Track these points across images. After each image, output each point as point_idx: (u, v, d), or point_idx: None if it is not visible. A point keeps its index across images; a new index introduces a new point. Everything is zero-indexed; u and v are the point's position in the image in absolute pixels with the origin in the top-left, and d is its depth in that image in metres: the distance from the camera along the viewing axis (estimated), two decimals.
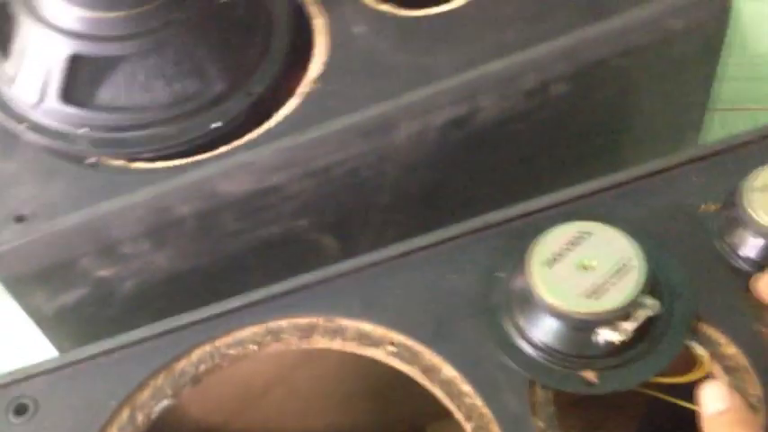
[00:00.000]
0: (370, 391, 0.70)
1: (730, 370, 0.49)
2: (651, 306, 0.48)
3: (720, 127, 0.92)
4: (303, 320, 0.54)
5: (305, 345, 0.54)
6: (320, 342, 0.54)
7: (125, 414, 0.51)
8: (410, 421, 0.78)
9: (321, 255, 0.67)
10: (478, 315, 0.52)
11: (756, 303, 0.49)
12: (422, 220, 0.62)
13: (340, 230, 0.67)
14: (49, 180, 0.58)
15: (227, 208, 0.59)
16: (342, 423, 0.74)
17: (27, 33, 0.59)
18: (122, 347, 0.53)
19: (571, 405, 0.58)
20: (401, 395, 0.71)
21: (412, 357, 0.52)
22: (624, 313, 0.48)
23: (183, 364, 0.53)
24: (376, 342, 0.53)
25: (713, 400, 0.44)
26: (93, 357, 0.53)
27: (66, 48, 0.57)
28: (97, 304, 0.61)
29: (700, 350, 0.50)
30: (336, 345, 0.54)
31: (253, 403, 0.66)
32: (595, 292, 0.47)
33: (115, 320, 0.62)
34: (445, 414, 0.78)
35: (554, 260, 0.49)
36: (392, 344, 0.53)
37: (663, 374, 0.50)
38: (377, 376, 0.66)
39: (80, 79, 0.58)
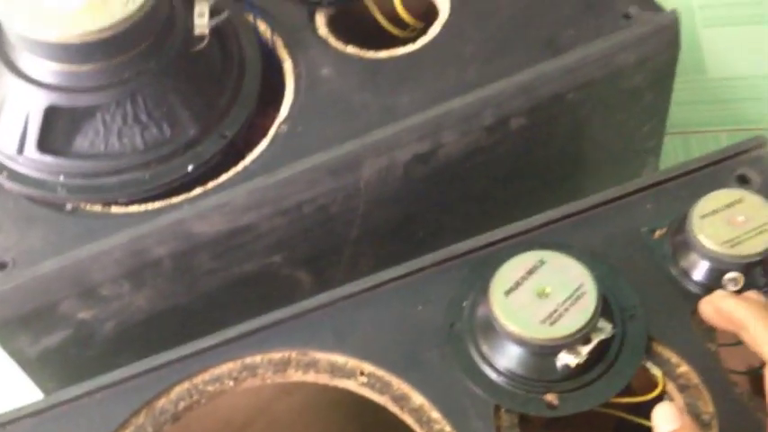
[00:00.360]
0: (347, 419, 0.72)
1: (684, 388, 0.51)
2: (605, 329, 0.51)
3: (683, 150, 0.95)
4: (277, 355, 0.56)
5: (280, 379, 0.56)
6: (294, 375, 0.56)
7: None
8: None
9: (295, 289, 0.70)
10: (445, 344, 0.54)
11: (706, 324, 0.52)
12: (392, 251, 0.65)
13: (313, 265, 0.69)
14: (29, 227, 0.61)
15: (203, 248, 0.61)
16: None
17: (5, 86, 0.61)
18: (104, 388, 0.55)
19: (542, 428, 0.61)
20: (376, 423, 0.73)
21: (383, 387, 0.54)
22: (580, 337, 0.50)
23: (162, 402, 0.55)
24: (348, 373, 0.55)
25: (664, 421, 0.46)
26: (76, 399, 0.55)
27: (43, 100, 0.60)
28: (79, 346, 0.63)
29: (654, 370, 0.52)
30: (310, 377, 0.56)
31: None
32: (552, 318, 0.50)
33: (97, 361, 0.63)
34: None
35: (513, 289, 0.51)
36: (363, 374, 0.55)
37: (621, 395, 0.52)
38: (352, 405, 0.68)
39: (57, 129, 0.61)
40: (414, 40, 0.70)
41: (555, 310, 0.50)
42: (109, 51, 0.58)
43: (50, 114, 0.60)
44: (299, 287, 0.69)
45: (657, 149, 0.77)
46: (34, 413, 0.54)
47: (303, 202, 0.63)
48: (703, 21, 1.05)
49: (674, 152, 0.94)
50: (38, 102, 0.60)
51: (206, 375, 0.56)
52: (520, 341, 0.51)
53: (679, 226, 0.55)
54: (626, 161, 0.76)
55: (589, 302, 0.50)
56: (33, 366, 0.64)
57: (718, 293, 0.50)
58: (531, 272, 0.52)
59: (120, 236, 0.59)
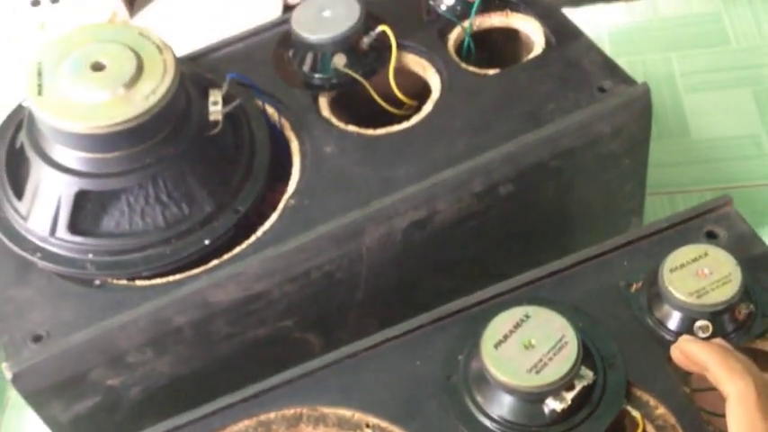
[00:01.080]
0: None
1: (661, 428, 0.56)
2: (587, 376, 0.56)
3: (670, 208, 1.00)
4: (290, 411, 0.61)
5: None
6: (306, 430, 0.61)
7: None
8: None
9: (305, 350, 0.75)
10: (443, 395, 0.59)
11: (680, 368, 0.57)
12: (394, 310, 0.70)
13: (321, 327, 0.74)
14: (61, 302, 0.66)
15: (219, 315, 0.67)
16: None
17: (38, 174, 0.67)
18: None
19: None
20: None
21: None
22: (564, 384, 0.55)
23: None
24: (354, 426, 0.60)
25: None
26: None
27: (73, 185, 0.66)
28: (107, 411, 0.68)
29: (634, 412, 0.57)
30: (320, 430, 0.61)
31: None
32: (537, 367, 0.55)
33: (124, 424, 0.69)
34: None
35: (502, 341, 0.56)
36: (368, 426, 0.60)
37: None
38: None
39: (86, 211, 0.67)
40: (409, 117, 0.77)
41: (540, 360, 0.55)
42: (133, 140, 0.65)
43: (80, 198, 0.66)
44: (309, 348, 0.75)
45: (639, 209, 0.83)
46: None
47: (311, 269, 0.68)
48: (685, 87, 1.11)
49: (663, 211, 0.99)
50: (68, 187, 0.66)
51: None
52: (510, 389, 0.55)
53: (653, 279, 0.60)
54: (610, 221, 0.81)
55: (571, 352, 0.55)
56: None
57: (683, 338, 0.54)
58: (517, 326, 0.57)
59: (144, 307, 0.65)
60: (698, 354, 0.52)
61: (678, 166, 1.04)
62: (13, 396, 0.92)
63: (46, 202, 0.67)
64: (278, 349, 0.73)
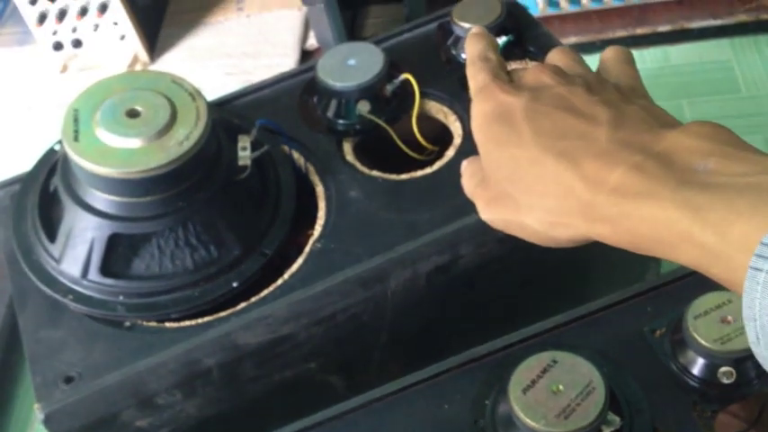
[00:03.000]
0: None
1: None
2: (614, 422, 0.57)
3: None
4: None
5: None
6: None
7: None
8: None
9: (328, 392, 0.76)
10: None
11: (705, 413, 0.58)
12: (417, 352, 0.71)
13: (344, 370, 0.75)
14: (92, 343, 0.67)
15: (247, 357, 0.68)
16: None
17: (72, 218, 0.69)
18: None
19: None
20: None
21: None
22: (592, 429, 0.56)
23: None
24: None
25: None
26: None
27: (107, 229, 0.67)
28: None
29: None
30: None
31: None
32: (566, 413, 0.56)
33: None
34: None
35: (530, 386, 0.57)
36: None
37: None
38: None
39: (117, 254, 0.68)
40: (430, 161, 0.78)
41: (568, 405, 0.56)
42: (166, 185, 0.66)
43: (112, 241, 0.67)
44: (332, 390, 0.75)
45: (658, 260, 0.84)
46: None
47: (337, 312, 0.69)
48: None
49: None
50: (102, 231, 0.67)
51: None
52: None
53: (676, 326, 0.61)
54: (629, 267, 0.83)
55: (598, 397, 0.56)
56: None
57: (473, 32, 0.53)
58: (544, 371, 0.58)
59: (174, 349, 0.66)
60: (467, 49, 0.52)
61: None
62: None
63: (79, 245, 0.68)
64: (301, 391, 0.73)
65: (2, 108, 1.36)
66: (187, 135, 0.66)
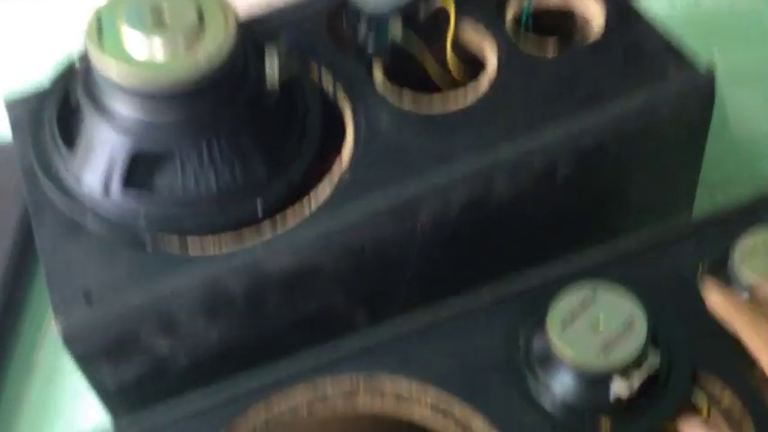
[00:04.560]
0: None
1: (728, 415, 0.55)
2: (655, 358, 0.55)
3: (709, 204, 0.98)
4: (347, 384, 0.60)
5: (349, 407, 0.60)
6: (363, 403, 0.60)
7: None
8: None
9: (350, 326, 0.74)
10: (504, 373, 0.58)
11: (750, 354, 0.56)
12: (446, 291, 0.69)
13: (368, 304, 0.73)
14: (112, 263, 0.65)
15: (272, 286, 0.66)
16: None
17: (93, 131, 0.66)
18: (185, 414, 0.59)
19: None
20: None
21: (445, 413, 0.58)
22: (632, 365, 0.54)
23: (241, 426, 0.59)
24: (413, 400, 0.59)
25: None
26: (153, 427, 0.59)
27: (129, 144, 0.65)
28: (154, 378, 0.67)
29: (700, 398, 0.56)
30: (377, 405, 0.60)
31: None
32: (606, 348, 0.54)
33: (170, 393, 0.67)
34: None
35: (569, 320, 0.55)
36: (427, 401, 0.59)
37: (669, 425, 0.56)
38: None
39: (140, 172, 0.66)
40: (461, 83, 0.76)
41: (608, 340, 0.54)
42: (192, 100, 0.64)
43: (135, 158, 0.65)
44: (354, 325, 0.73)
45: (691, 202, 0.82)
46: None
47: (365, 244, 0.67)
48: (726, 81, 1.09)
49: (702, 207, 0.97)
50: (124, 146, 0.65)
51: (282, 404, 0.59)
52: (577, 370, 0.54)
53: (721, 263, 0.59)
54: (661, 213, 0.80)
55: (639, 333, 0.54)
56: (110, 398, 0.68)
57: (709, 286, 0.53)
58: (584, 304, 0.56)
59: (198, 274, 0.64)
60: (725, 316, 0.50)
61: (718, 163, 1.03)
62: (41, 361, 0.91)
63: (99, 161, 0.66)
64: (324, 325, 0.71)
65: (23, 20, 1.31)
66: (217, 48, 0.63)
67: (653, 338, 0.55)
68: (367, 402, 0.60)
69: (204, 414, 0.59)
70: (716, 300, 0.53)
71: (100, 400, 0.69)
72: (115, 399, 0.68)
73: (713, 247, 0.61)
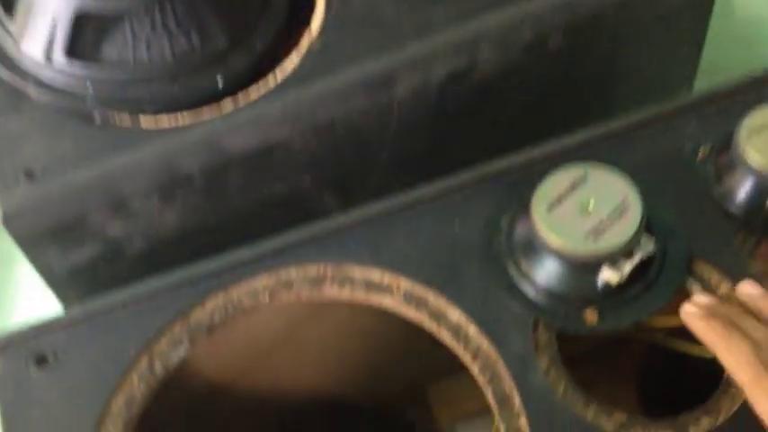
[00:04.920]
0: (375, 351, 0.71)
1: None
2: (648, 246, 0.50)
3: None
4: (313, 270, 0.55)
5: (315, 295, 0.56)
6: (330, 292, 0.56)
7: (144, 362, 0.53)
8: (412, 381, 0.80)
9: (321, 211, 0.69)
10: (483, 261, 0.54)
11: (748, 243, 0.51)
12: (420, 176, 0.63)
13: (340, 188, 0.68)
14: (57, 137, 0.59)
15: (234, 165, 0.60)
16: (347, 381, 0.76)
17: None
18: (139, 298, 0.54)
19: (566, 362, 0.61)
20: (403, 353, 0.72)
21: (419, 303, 0.54)
22: (623, 252, 0.49)
23: (198, 314, 0.55)
24: (384, 289, 0.55)
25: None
26: (110, 309, 0.54)
27: (72, 5, 0.58)
28: (107, 262, 0.62)
29: (695, 287, 0.51)
30: (345, 293, 0.55)
31: (260, 362, 0.67)
32: (595, 233, 0.49)
33: (125, 280, 0.63)
34: (445, 373, 0.80)
35: (556, 203, 0.50)
36: (399, 290, 0.54)
37: (660, 315, 0.52)
38: (381, 333, 0.68)
39: (85, 36, 0.59)
40: None
41: (599, 225, 0.49)
42: None
43: (80, 20, 0.58)
44: (325, 209, 0.68)
45: (691, 80, 0.76)
46: (68, 323, 0.54)
47: (336, 120, 0.61)
48: None
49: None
50: (67, 7, 0.58)
51: (242, 288, 0.55)
52: (562, 256, 0.50)
53: (724, 145, 0.54)
54: (659, 90, 0.75)
55: (633, 217, 0.49)
56: (61, 284, 0.63)
57: (686, 309, 0.48)
58: (574, 186, 0.51)
59: (150, 149, 0.58)
60: (700, 335, 0.46)
61: (720, 46, 0.96)
62: None
63: (41, 23, 0.59)
64: (293, 209, 0.66)
65: None
66: None
67: (647, 224, 0.51)
68: (334, 290, 0.55)
69: (160, 299, 0.55)
70: (689, 311, 0.48)
71: (50, 286, 0.64)
72: (66, 285, 0.64)
73: (715, 126, 0.56)
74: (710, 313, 0.47)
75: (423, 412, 0.79)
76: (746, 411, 0.44)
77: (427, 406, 0.79)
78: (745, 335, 0.44)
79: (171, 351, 0.53)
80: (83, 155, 0.58)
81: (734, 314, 0.47)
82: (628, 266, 0.50)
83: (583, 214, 0.50)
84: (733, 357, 0.44)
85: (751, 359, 0.43)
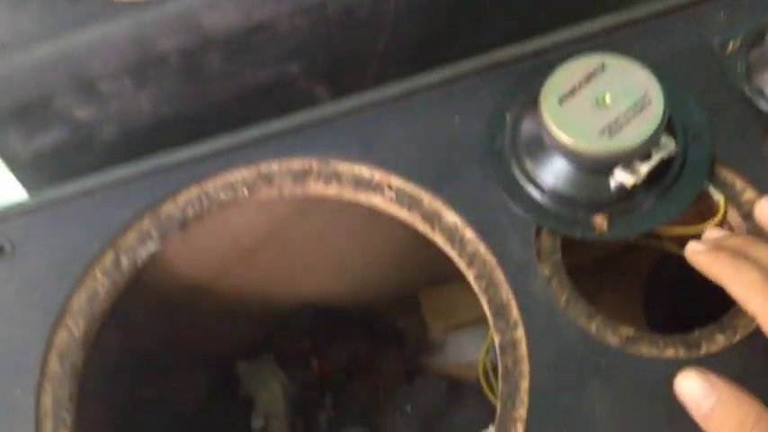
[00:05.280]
0: (362, 254, 0.67)
1: (747, 216, 0.46)
2: (668, 146, 0.45)
3: None
4: (297, 164, 0.51)
5: (299, 191, 0.51)
6: (315, 187, 0.51)
7: (108, 257, 0.49)
8: (403, 289, 0.76)
9: (310, 104, 0.63)
10: (484, 159, 0.49)
11: None
12: (419, 70, 0.58)
13: (333, 80, 0.62)
14: (21, 8, 0.53)
15: (214, 45, 0.55)
16: (334, 286, 0.72)
17: None
18: (105, 187, 0.50)
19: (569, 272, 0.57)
20: (394, 258, 0.68)
21: (412, 203, 0.49)
22: (640, 152, 0.44)
23: (169, 207, 0.50)
24: (374, 187, 0.50)
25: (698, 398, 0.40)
26: (73, 198, 0.50)
27: None
28: (76, 150, 0.57)
29: (717, 195, 0.47)
30: (332, 190, 0.51)
31: (241, 262, 0.63)
32: (611, 130, 0.44)
33: (96, 167, 0.58)
34: (439, 281, 0.76)
35: (568, 96, 0.45)
36: (391, 188, 0.50)
37: (675, 223, 0.47)
38: (371, 235, 0.64)
39: None
40: None
41: (615, 121, 0.44)
42: None
43: None
44: (315, 102, 0.63)
45: None
46: (26, 211, 0.49)
47: (327, 1, 0.56)
48: None
49: None
50: None
51: (218, 181, 0.50)
52: (573, 155, 0.45)
53: (756, 38, 0.48)
54: None
55: (654, 113, 0.44)
56: (26, 171, 0.59)
57: (689, 247, 0.43)
58: (589, 78, 0.46)
59: (122, 23, 0.52)
60: (706, 270, 0.41)
61: None
62: None
63: None
64: (280, 99, 0.61)
65: None
66: None
67: (668, 122, 0.45)
68: (320, 187, 0.50)
69: (128, 190, 0.50)
70: (695, 249, 0.43)
71: (15, 174, 0.59)
72: (31, 173, 0.59)
73: (746, 17, 0.50)
74: (717, 247, 0.42)
75: (414, 322, 0.75)
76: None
77: (419, 315, 0.75)
78: (755, 263, 0.40)
79: (139, 246, 0.49)
80: (48, 28, 0.53)
81: (744, 243, 0.42)
82: (644, 168, 0.45)
83: (598, 109, 0.45)
84: (742, 286, 0.40)
85: (761, 286, 0.39)
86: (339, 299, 0.72)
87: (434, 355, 0.76)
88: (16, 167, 0.58)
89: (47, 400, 0.44)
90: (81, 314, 0.46)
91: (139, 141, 0.58)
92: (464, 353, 0.74)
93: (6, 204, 0.50)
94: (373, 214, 0.52)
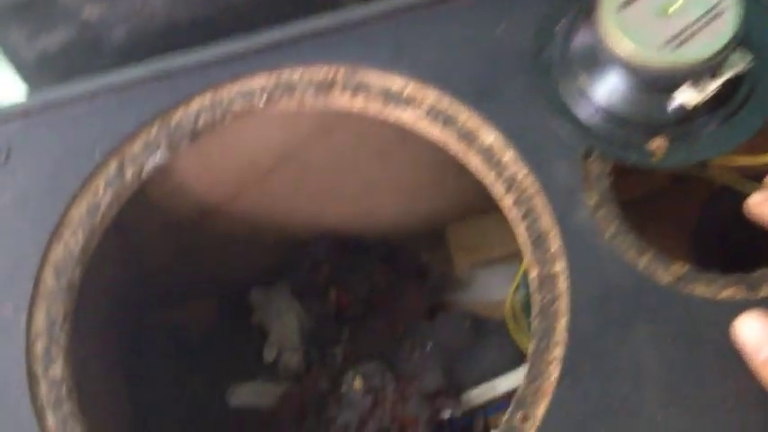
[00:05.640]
0: (387, 180, 0.63)
1: None
2: (740, 62, 0.40)
3: None
4: (321, 72, 0.46)
5: (321, 103, 0.46)
6: (340, 100, 0.46)
7: (113, 166, 0.44)
8: (428, 220, 0.72)
9: (339, 7, 0.58)
10: (529, 73, 0.44)
11: None
12: None
13: None
14: None
15: None
16: (356, 214, 0.68)
17: None
18: (111, 90, 0.45)
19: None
20: (422, 186, 0.64)
21: (447, 120, 0.45)
22: (708, 68, 0.39)
23: (179, 115, 0.46)
24: (405, 101, 0.45)
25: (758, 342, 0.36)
26: (76, 100, 0.45)
27: None
28: (84, 52, 0.53)
29: None
30: (358, 104, 0.46)
31: (256, 183, 0.59)
32: (677, 41, 0.39)
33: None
34: (465, 213, 0.72)
35: (630, 2, 0.40)
36: (423, 103, 0.45)
37: (738, 153, 0.42)
38: (397, 160, 0.59)
39: None
40: None
41: (682, 31, 0.39)
42: None
43: None
44: (344, 6, 0.58)
45: None
46: (23, 113, 0.45)
47: None
48: None
49: None
50: None
51: (233, 88, 0.46)
52: (632, 68, 0.40)
53: None
54: None
55: (727, 25, 0.39)
56: (31, 72, 0.54)
57: (752, 200, 0.40)
58: None
59: None
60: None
61: None
62: None
63: None
64: (305, 6, 0.56)
65: None
66: None
67: (743, 35, 0.40)
68: (345, 99, 0.46)
69: (135, 93, 0.46)
70: (756, 201, 0.38)
71: (19, 74, 0.55)
72: (37, 74, 0.54)
73: None
74: None
75: (439, 256, 0.71)
76: None
77: (444, 250, 0.71)
78: None
79: (145, 156, 0.44)
80: None
81: None
82: (712, 86, 0.40)
83: (663, 17, 0.40)
84: None
85: None
86: (360, 228, 0.68)
87: (459, 293, 0.72)
88: (21, 69, 0.54)
89: (40, 318, 0.40)
90: (80, 227, 0.42)
91: (151, 45, 0.53)
92: (491, 291, 0.70)
93: (2, 105, 0.45)
94: (401, 136, 0.47)
